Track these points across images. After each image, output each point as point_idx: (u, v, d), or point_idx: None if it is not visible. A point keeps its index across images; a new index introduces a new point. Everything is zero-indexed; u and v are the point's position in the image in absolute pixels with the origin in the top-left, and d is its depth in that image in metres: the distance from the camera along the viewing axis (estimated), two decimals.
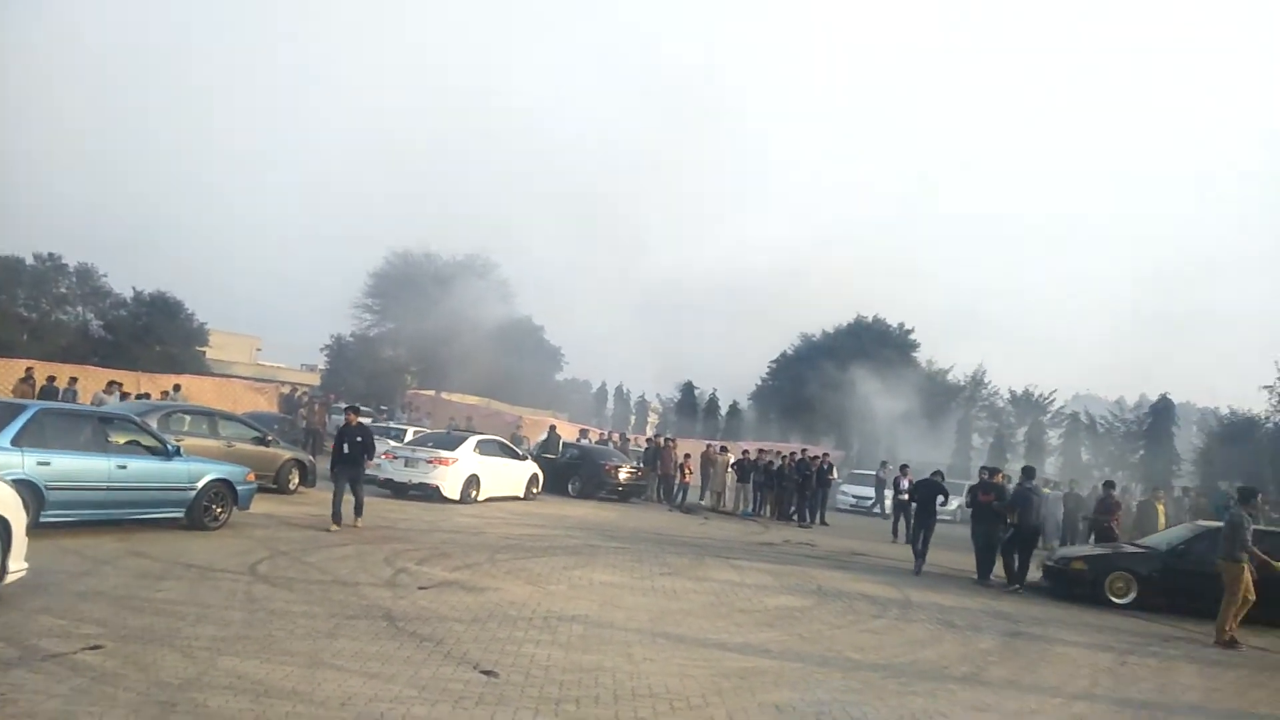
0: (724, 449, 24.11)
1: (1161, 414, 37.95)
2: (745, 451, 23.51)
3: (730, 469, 22.77)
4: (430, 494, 16.24)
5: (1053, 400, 44.59)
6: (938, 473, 16.75)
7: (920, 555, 14.21)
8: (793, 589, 10.66)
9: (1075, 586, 12.36)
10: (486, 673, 5.69)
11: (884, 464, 22.52)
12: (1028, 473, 14.23)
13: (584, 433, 27.73)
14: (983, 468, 16.33)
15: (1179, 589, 11.90)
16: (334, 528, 11.51)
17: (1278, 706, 7.09)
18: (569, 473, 21.63)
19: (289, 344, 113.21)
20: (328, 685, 5.17)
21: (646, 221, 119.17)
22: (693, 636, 7.41)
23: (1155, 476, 32.04)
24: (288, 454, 15.29)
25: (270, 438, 14.92)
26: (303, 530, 11.34)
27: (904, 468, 20.96)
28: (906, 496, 18.44)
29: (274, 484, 14.77)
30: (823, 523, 21.44)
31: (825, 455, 23.50)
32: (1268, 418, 35.43)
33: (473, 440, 17.50)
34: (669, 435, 29.51)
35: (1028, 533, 13.30)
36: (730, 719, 5.25)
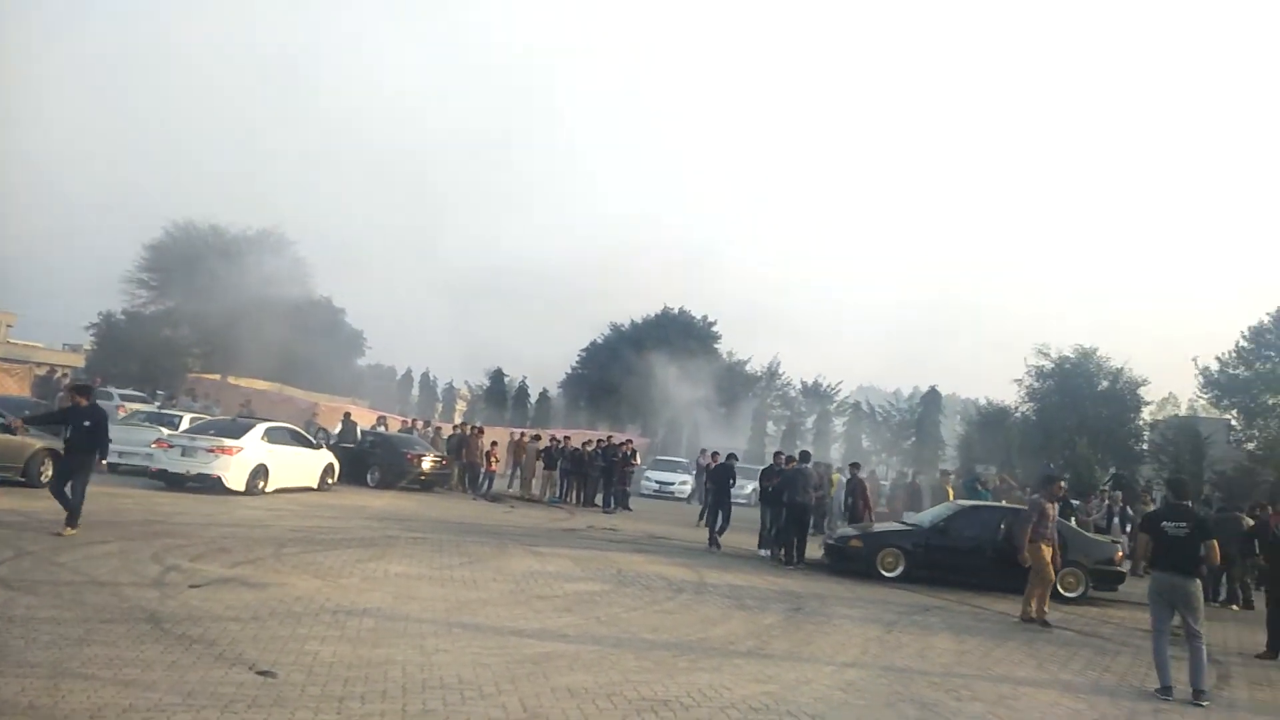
0: (536, 437, 24.07)
1: (930, 404, 41.75)
2: (553, 438, 23.58)
3: (538, 456, 22.76)
4: (211, 485, 15.06)
5: (839, 391, 47.96)
6: (731, 456, 17.59)
7: (717, 533, 15.00)
8: (593, 574, 10.80)
9: (852, 563, 13.34)
10: (263, 673, 5.35)
11: (703, 451, 23.14)
12: (803, 456, 15.33)
13: (382, 420, 26.73)
14: (777, 453, 17.36)
15: (940, 562, 13.15)
16: (67, 531, 9.64)
17: (1013, 666, 7.96)
18: (368, 462, 20.79)
19: (48, 321, 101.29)
20: (74, 697, 4.66)
21: (456, 207, 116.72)
22: (489, 625, 7.33)
23: (923, 461, 35.24)
24: (39, 443, 13.65)
25: (15, 424, 13.20)
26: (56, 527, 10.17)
27: (708, 452, 21.74)
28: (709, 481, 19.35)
29: (22, 476, 13.18)
30: (625, 508, 21.90)
31: (629, 442, 23.99)
32: (1017, 408, 40.02)
33: (261, 427, 16.40)
34: (475, 423, 29.08)
35: (798, 512, 14.29)
36: (523, 705, 5.23)
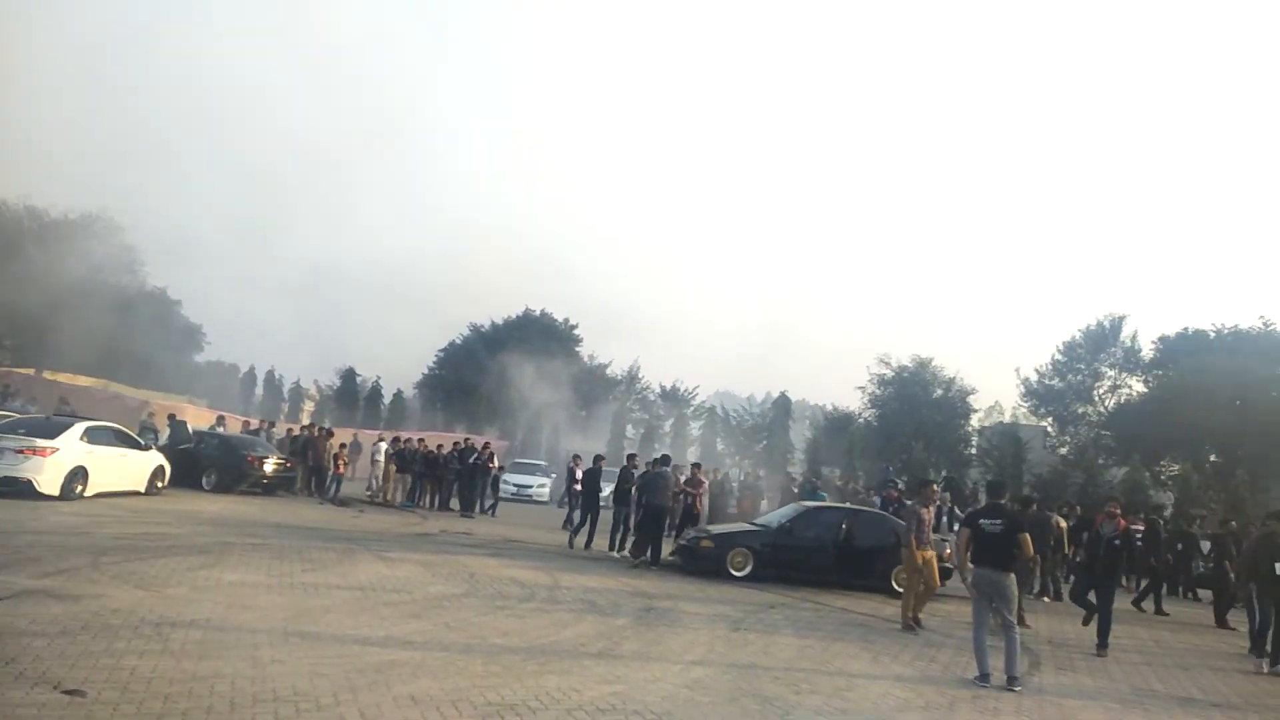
0: (396, 439, 23.32)
1: (780, 409, 43.27)
2: (406, 440, 22.93)
3: (390, 459, 22.05)
4: (21, 489, 13.71)
5: (696, 395, 48.97)
6: (599, 457, 17.79)
7: (584, 532, 15.96)
8: (444, 579, 10.56)
9: (704, 562, 13.66)
10: (70, 692, 4.91)
11: (576, 456, 22.85)
12: (662, 460, 15.63)
13: (222, 420, 25.20)
14: (630, 455, 17.66)
15: (786, 561, 13.67)
16: None
17: (850, 660, 8.35)
18: (203, 464, 19.52)
19: None
20: None
21: (306, 202, 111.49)
22: (330, 634, 7.03)
23: (773, 464, 36.51)
24: None
25: None
26: None
27: (576, 457, 21.59)
28: (578, 487, 19.38)
29: None
30: (483, 511, 21.55)
31: (488, 444, 23.62)
32: (861, 413, 42.15)
33: (79, 426, 15.09)
34: (324, 424, 27.89)
35: (654, 512, 14.64)
36: (362, 715, 5.05)
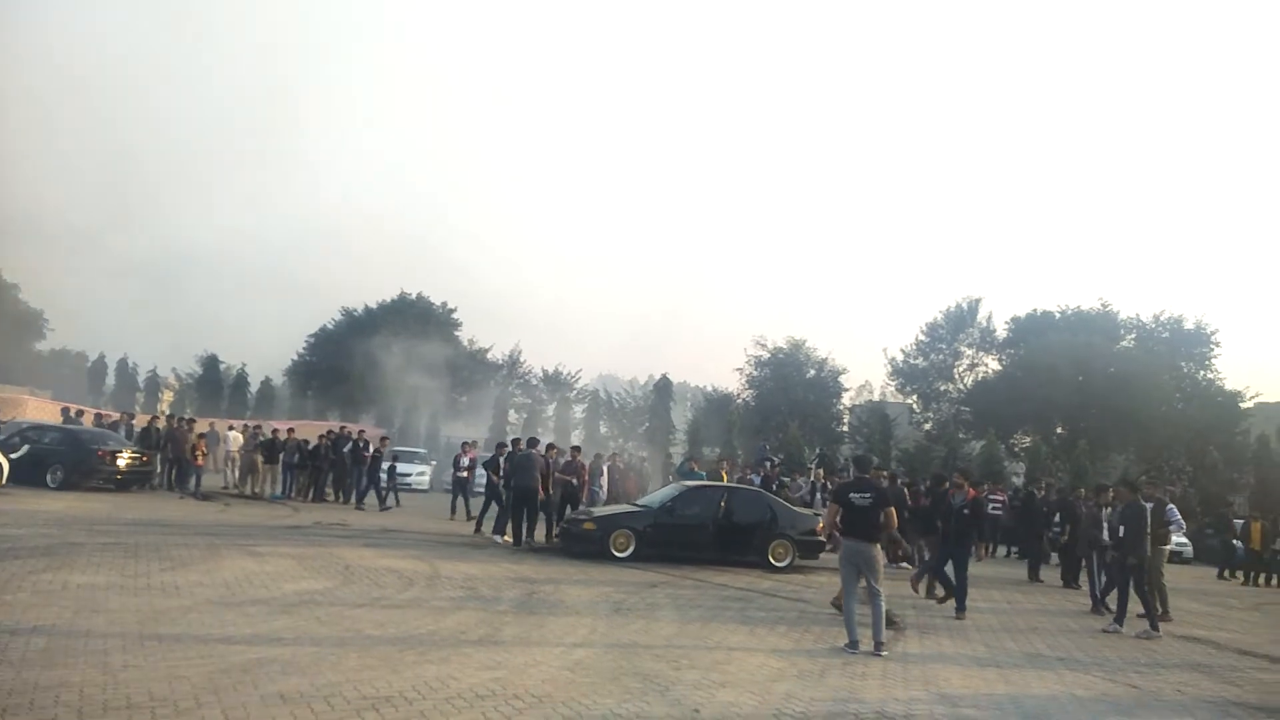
0: (258, 428, 22.27)
1: (662, 391, 43.78)
2: (275, 430, 21.98)
3: (257, 449, 21.07)
4: None
5: (578, 379, 48.94)
6: (501, 445, 17.72)
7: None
8: (317, 572, 10.18)
9: (586, 544, 13.71)
10: None
11: (465, 443, 22.20)
12: (530, 442, 15.62)
13: (70, 412, 23.45)
14: (514, 440, 17.54)
15: (668, 540, 13.89)
16: None
17: (728, 634, 8.58)
18: (47, 460, 18.11)
19: None
20: None
21: (161, 185, 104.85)
22: (191, 634, 6.66)
23: (656, 445, 36.96)
24: None
25: None
26: None
27: (465, 444, 21.18)
28: (466, 474, 19.02)
29: None
30: (359, 504, 20.94)
31: (362, 432, 22.91)
32: (739, 394, 43.16)
33: None
34: (184, 414, 26.38)
35: (522, 494, 14.77)
36: (226, 717, 4.81)
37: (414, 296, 47.71)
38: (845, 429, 41.34)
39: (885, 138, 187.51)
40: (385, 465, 21.34)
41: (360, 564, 11.06)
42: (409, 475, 28.64)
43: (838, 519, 8.54)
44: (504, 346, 51.57)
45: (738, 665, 7.13)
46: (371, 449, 21.02)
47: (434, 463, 32.01)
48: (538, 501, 15.06)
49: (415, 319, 44.84)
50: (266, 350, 49.90)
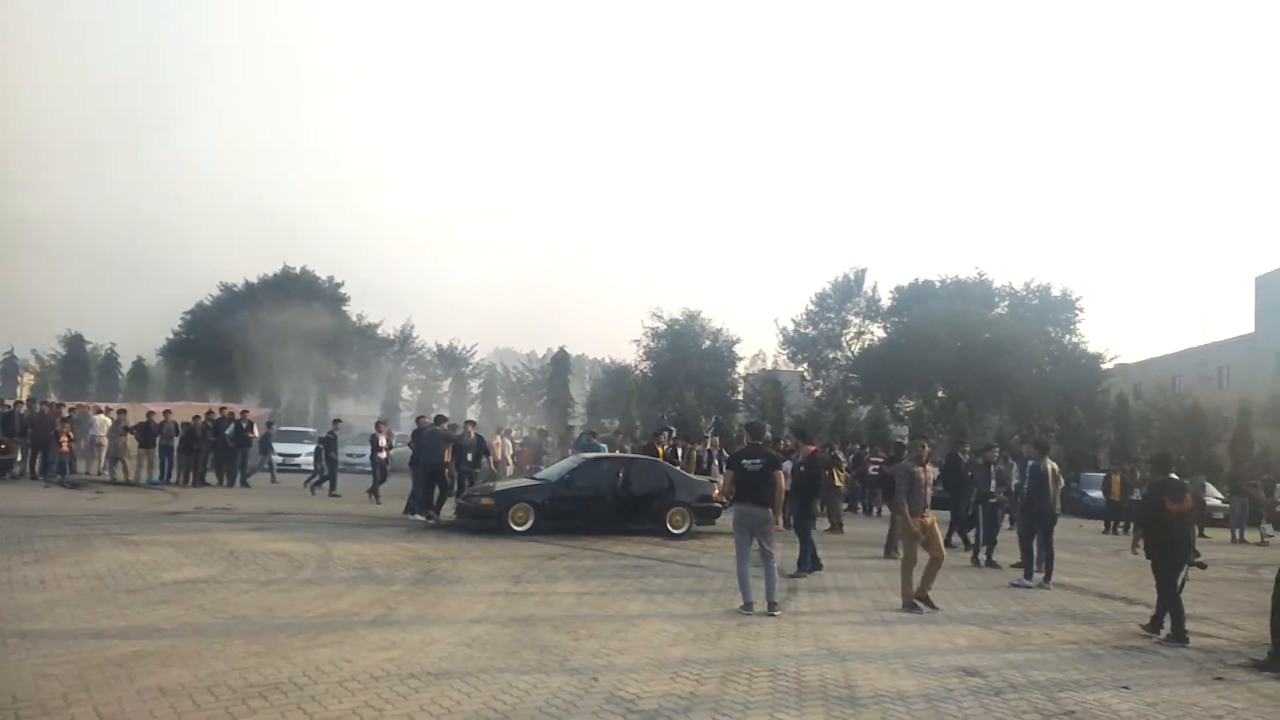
0: (123, 411, 21.03)
1: (560, 364, 43.70)
2: (149, 413, 20.83)
3: (131, 433, 19.93)
4: None
5: (474, 354, 48.29)
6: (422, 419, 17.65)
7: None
8: (199, 559, 9.75)
9: (485, 520, 13.59)
10: None
11: (380, 422, 21.39)
12: (437, 419, 15.57)
13: None
14: (419, 418, 17.44)
15: (567, 512, 13.91)
16: None
17: (626, 603, 8.67)
18: None
19: None
20: None
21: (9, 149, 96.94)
22: (60, 630, 6.28)
23: (554, 419, 36.87)
24: None
25: None
26: None
27: (380, 424, 20.40)
28: (385, 454, 18.45)
29: None
30: (244, 484, 20.16)
31: (245, 413, 21.98)
32: (637, 366, 43.46)
33: None
34: (47, 398, 24.68)
35: (429, 470, 14.91)
36: (99, 714, 4.56)
37: (298, 270, 45.86)
38: (740, 397, 42.23)
39: (775, 113, 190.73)
40: (313, 446, 21.52)
41: (246, 549, 10.65)
42: (297, 456, 27.70)
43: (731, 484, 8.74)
44: (395, 322, 50.28)
45: (636, 632, 7.22)
46: (257, 430, 20.22)
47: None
48: (446, 477, 15.19)
49: (300, 294, 43.12)
50: (138, 329, 47.17)
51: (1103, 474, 23.32)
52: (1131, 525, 20.84)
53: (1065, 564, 12.86)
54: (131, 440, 19.77)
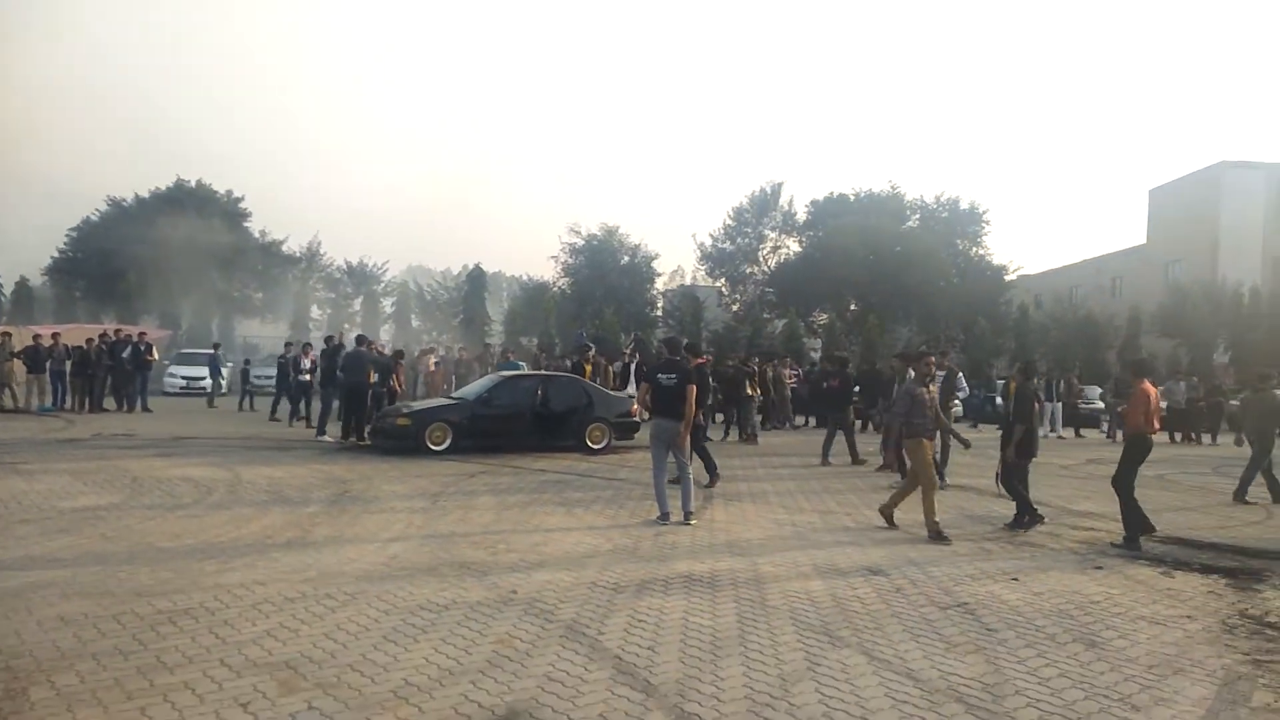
0: (5, 334, 19.82)
1: (476, 282, 42.89)
2: (37, 336, 19.71)
3: (18, 358, 18.86)
4: None
5: (385, 271, 46.95)
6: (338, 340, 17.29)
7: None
8: (99, 487, 9.40)
9: (400, 440, 13.45)
10: None
11: (306, 345, 20.49)
12: (359, 340, 15.18)
13: None
14: (328, 337, 17.05)
15: (485, 430, 13.88)
16: None
17: (546, 517, 8.78)
18: None
19: None
20: None
21: None
22: None
23: (471, 338, 36.43)
24: None
25: None
26: None
27: (306, 346, 19.67)
28: (308, 376, 17.82)
29: None
30: (145, 409, 19.43)
31: (143, 335, 21.00)
32: (555, 283, 43.05)
33: None
34: None
35: (355, 391, 14.77)
36: None
37: (192, 184, 43.38)
38: (659, 313, 42.39)
39: (692, 27, 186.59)
40: (240, 366, 21.23)
41: (150, 475, 10.32)
42: (202, 379, 26.81)
43: (648, 397, 8.82)
44: (301, 238, 48.39)
45: (554, 545, 7.32)
46: (155, 352, 19.40)
47: (230, 365, 30.03)
48: (367, 399, 14.93)
49: (196, 208, 40.88)
50: (19, 247, 44.19)
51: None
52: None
53: (965, 466, 13.54)
54: (19, 365, 18.74)
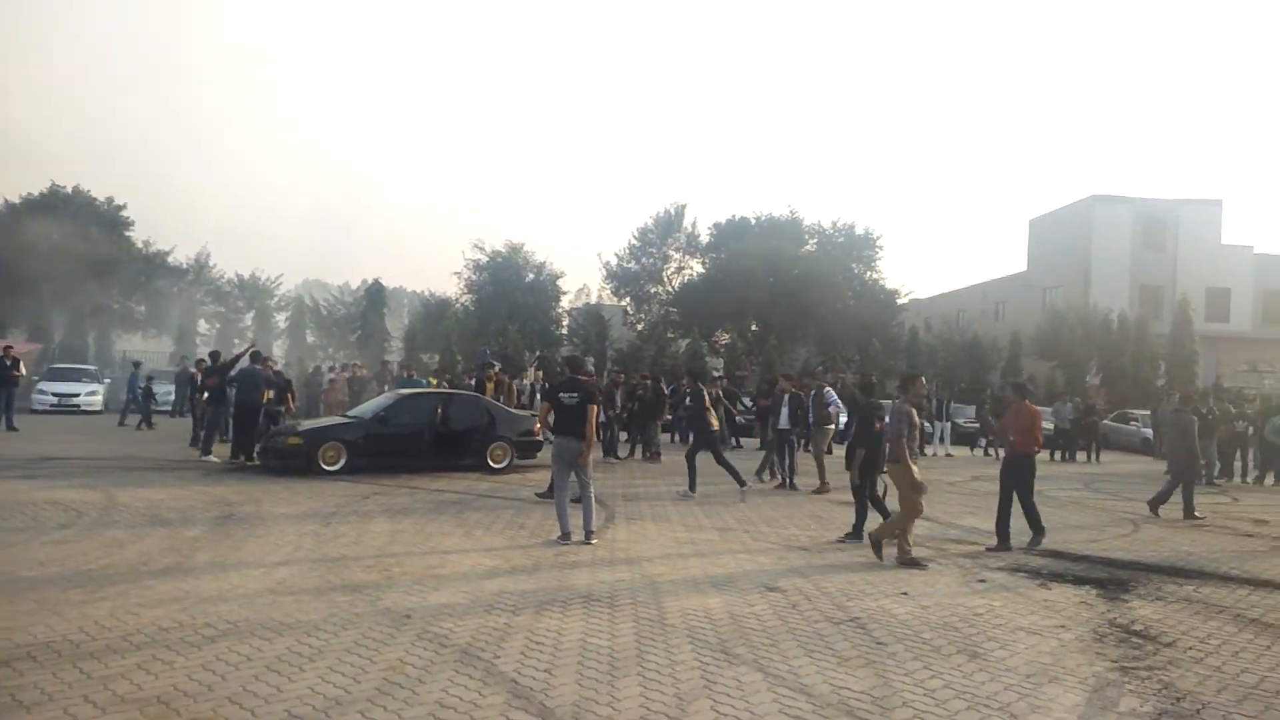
0: None
1: (374, 297, 41.74)
2: None
3: None
4: None
5: (279, 285, 45.27)
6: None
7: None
8: None
9: (292, 460, 12.95)
10: None
11: (200, 360, 19.39)
12: (254, 356, 14.65)
13: None
14: (213, 353, 16.31)
15: (382, 450, 13.50)
16: None
17: (443, 539, 8.59)
18: None
19: None
20: None
21: None
22: None
23: (369, 354, 35.48)
24: None
25: None
26: None
27: (199, 361, 18.76)
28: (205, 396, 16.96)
29: None
30: (10, 428, 18.13)
31: (9, 349, 19.61)
32: (458, 299, 42.40)
33: None
34: None
35: (248, 409, 14.24)
36: None
37: (68, 190, 40.91)
38: (564, 331, 42.22)
39: (599, 48, 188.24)
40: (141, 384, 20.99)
41: (14, 498, 9.63)
42: (76, 396, 25.24)
43: (550, 417, 8.76)
44: (190, 249, 46.20)
45: (452, 567, 7.16)
46: (23, 367, 18.17)
47: (108, 381, 28.36)
48: (259, 417, 14.38)
49: (72, 216, 38.51)
50: None
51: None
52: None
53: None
54: None
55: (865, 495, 9.41)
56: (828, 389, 14.49)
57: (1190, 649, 5.64)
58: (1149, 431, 24.83)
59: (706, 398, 12.83)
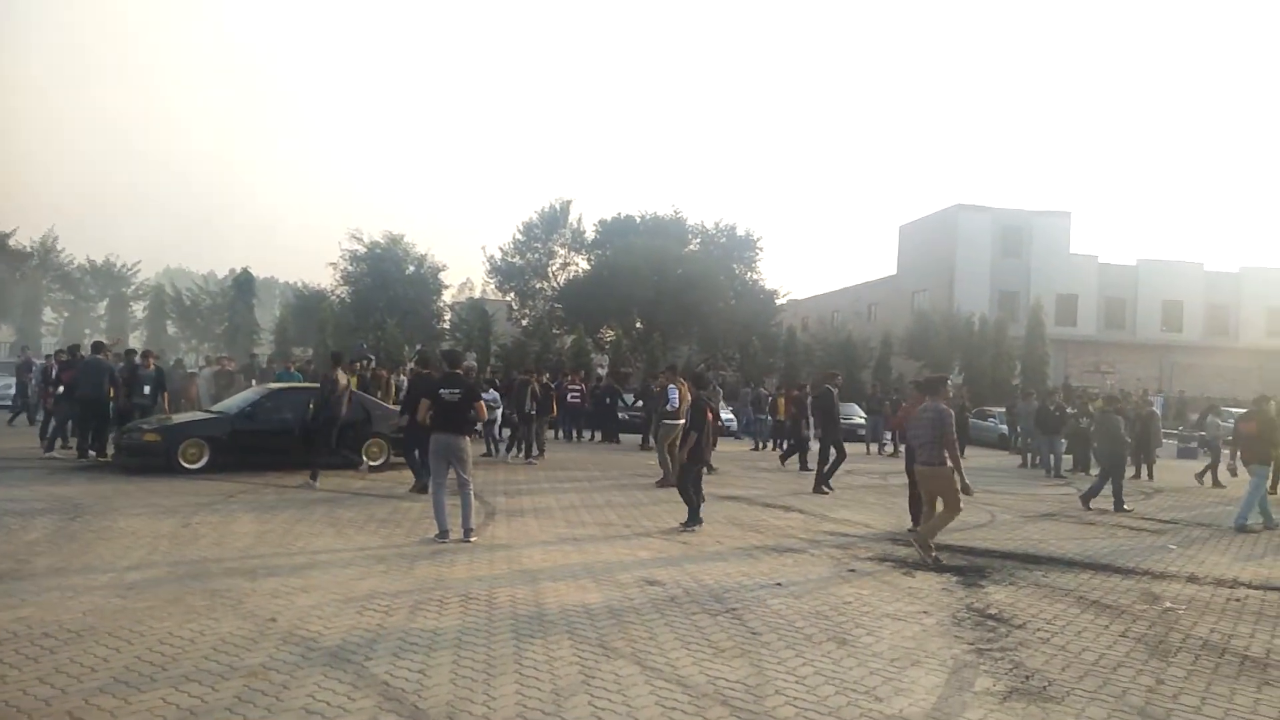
0: None
1: (243, 287, 39.86)
2: None
3: None
4: None
5: (136, 272, 42.59)
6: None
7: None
8: None
9: (149, 458, 12.19)
10: None
11: (59, 352, 17.30)
12: (96, 347, 13.70)
13: None
14: (73, 347, 15.09)
15: (249, 446, 12.86)
16: None
17: (313, 538, 8.26)
18: None
19: None
20: None
21: None
22: None
23: (237, 347, 33.82)
24: None
25: None
26: None
27: (59, 353, 17.05)
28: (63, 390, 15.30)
29: None
30: None
31: None
32: (334, 290, 40.93)
33: None
34: None
35: (93, 406, 13.35)
36: None
37: None
38: (446, 326, 41.41)
39: (485, 39, 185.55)
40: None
41: None
42: None
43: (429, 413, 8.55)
44: (34, 231, 42.81)
45: (321, 569, 6.89)
46: None
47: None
48: (107, 412, 13.41)
49: None
50: None
51: (770, 396, 25.97)
52: (777, 440, 23.60)
53: (734, 477, 14.26)
54: None
55: (692, 477, 9.74)
56: (670, 386, 14.57)
57: (1039, 630, 6.02)
58: (1005, 427, 26.36)
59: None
